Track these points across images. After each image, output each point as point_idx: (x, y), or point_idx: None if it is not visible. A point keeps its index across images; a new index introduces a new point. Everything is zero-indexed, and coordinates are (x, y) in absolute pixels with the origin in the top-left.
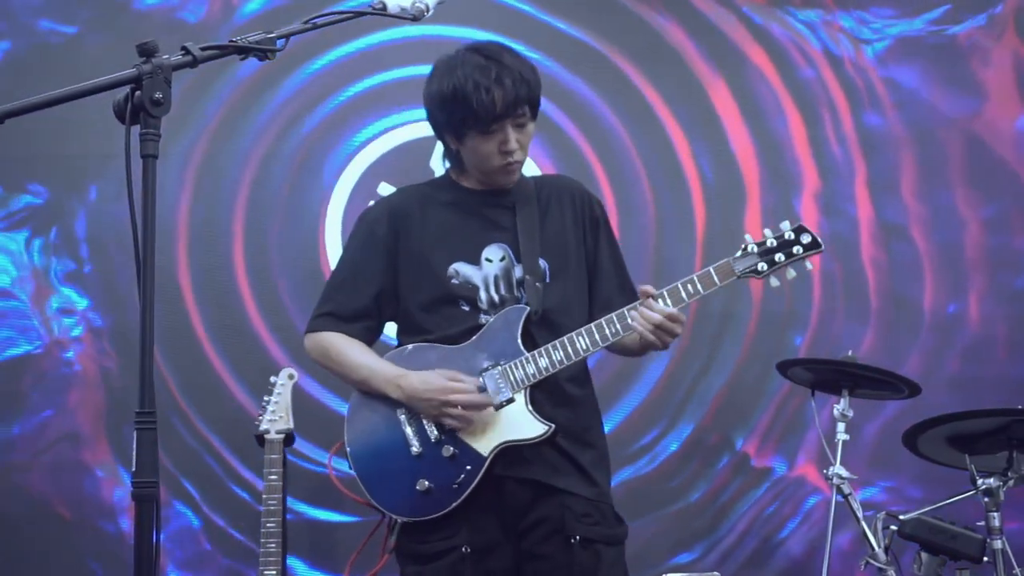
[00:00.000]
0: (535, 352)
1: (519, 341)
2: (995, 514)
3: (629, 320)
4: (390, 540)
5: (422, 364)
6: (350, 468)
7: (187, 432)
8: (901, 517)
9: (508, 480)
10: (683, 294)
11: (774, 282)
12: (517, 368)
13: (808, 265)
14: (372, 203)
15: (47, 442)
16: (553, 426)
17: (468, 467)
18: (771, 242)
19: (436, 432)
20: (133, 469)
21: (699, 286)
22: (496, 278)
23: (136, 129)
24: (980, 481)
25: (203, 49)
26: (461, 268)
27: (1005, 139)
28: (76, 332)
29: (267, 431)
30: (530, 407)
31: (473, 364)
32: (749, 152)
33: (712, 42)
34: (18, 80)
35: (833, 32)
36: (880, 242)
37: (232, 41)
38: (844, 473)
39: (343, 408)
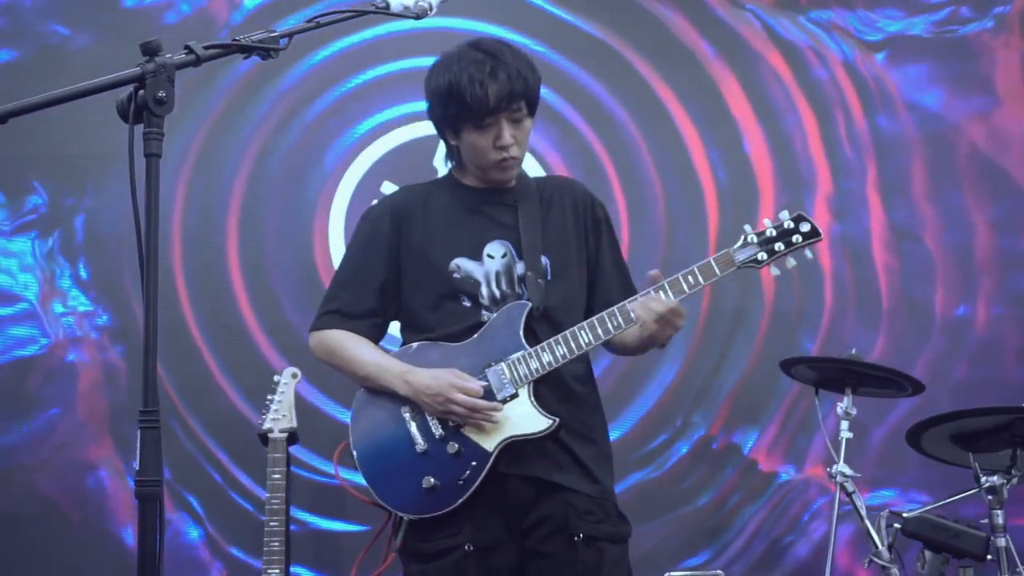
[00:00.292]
0: (538, 347)
1: (522, 337)
2: (999, 512)
3: (631, 313)
4: (395, 539)
5: (425, 362)
6: (355, 466)
7: (184, 436)
8: (904, 515)
9: (511, 478)
10: (684, 285)
11: (774, 271)
12: (520, 364)
13: (808, 254)
14: (375, 202)
15: (53, 442)
16: (557, 420)
17: (473, 463)
18: (771, 232)
19: (441, 429)
20: (136, 468)
21: (700, 277)
22: (498, 274)
23: (139, 128)
24: (984, 479)
25: (206, 48)
26: (463, 263)
27: (1015, 141)
28: (81, 332)
29: (270, 430)
30: (534, 402)
31: (476, 361)
32: (761, 152)
33: (725, 41)
34: (18, 81)
35: (843, 33)
36: (891, 244)
37: (235, 40)
38: (848, 471)
39: (342, 414)
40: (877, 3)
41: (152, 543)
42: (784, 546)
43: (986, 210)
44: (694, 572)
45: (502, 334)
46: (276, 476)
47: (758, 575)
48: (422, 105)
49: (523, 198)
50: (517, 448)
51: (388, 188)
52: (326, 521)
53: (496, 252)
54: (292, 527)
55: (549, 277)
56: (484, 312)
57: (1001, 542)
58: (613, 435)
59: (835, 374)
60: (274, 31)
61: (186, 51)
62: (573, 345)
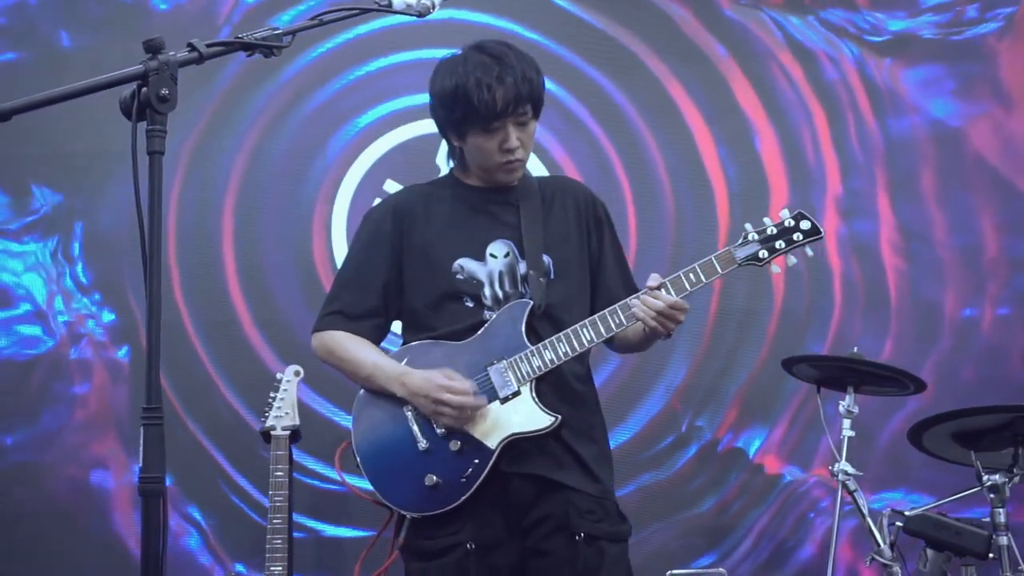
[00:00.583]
0: (540, 345)
1: (523, 335)
2: (1001, 510)
3: (632, 309)
4: (398, 538)
5: (427, 361)
6: (356, 466)
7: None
8: (906, 513)
9: (513, 476)
10: (685, 283)
11: (775, 269)
12: (523, 362)
13: (809, 252)
14: (377, 202)
15: (57, 442)
16: (559, 417)
17: (476, 461)
18: (771, 230)
19: (442, 427)
20: (140, 464)
21: (701, 274)
22: (500, 274)
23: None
24: (986, 478)
25: (209, 46)
26: (466, 263)
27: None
28: (86, 332)
29: (273, 427)
30: (536, 399)
31: (478, 359)
32: (771, 151)
33: (736, 40)
34: (17, 81)
35: (853, 34)
36: (900, 245)
37: (238, 37)
38: (850, 470)
39: (342, 418)
40: (886, 5)
41: (155, 540)
42: (791, 546)
43: (996, 212)
44: (696, 571)
45: (504, 332)
46: (279, 474)
47: (766, 574)
48: (424, 98)
49: (525, 197)
50: (519, 446)
51: (391, 186)
52: (328, 526)
53: (499, 252)
54: (295, 533)
55: (552, 276)
56: (487, 312)
57: (1003, 540)
58: (622, 437)
59: (837, 373)
60: (277, 29)
61: (189, 48)
62: (575, 343)
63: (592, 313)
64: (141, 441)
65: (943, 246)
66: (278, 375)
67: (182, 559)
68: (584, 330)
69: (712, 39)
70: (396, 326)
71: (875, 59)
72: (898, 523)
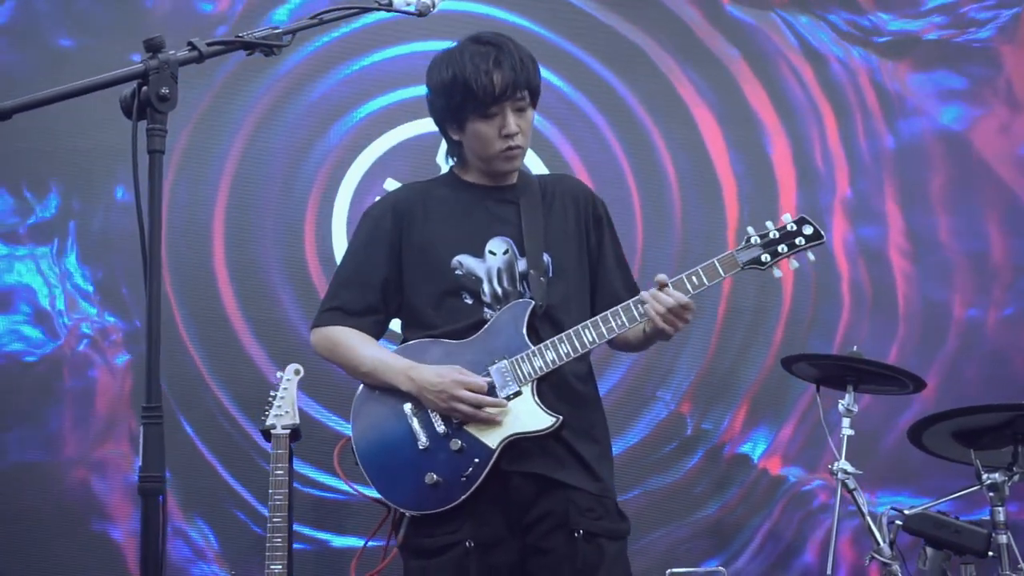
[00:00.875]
0: (541, 345)
1: (525, 335)
2: (1000, 509)
3: (636, 311)
4: (397, 536)
5: (427, 359)
6: (355, 464)
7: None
8: (906, 512)
9: (513, 475)
10: (688, 285)
11: (777, 273)
12: (524, 362)
13: (811, 256)
14: (376, 199)
15: (61, 442)
16: (560, 418)
17: (476, 460)
18: (774, 233)
19: (443, 426)
20: (139, 463)
21: (704, 277)
22: (499, 271)
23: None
24: (985, 476)
25: (209, 45)
26: (465, 260)
27: None
28: (89, 332)
29: (273, 426)
30: (537, 399)
31: (480, 358)
32: (781, 154)
33: (747, 41)
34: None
35: (863, 38)
36: (908, 248)
37: (238, 36)
38: (849, 468)
39: (340, 425)
40: (892, 6)
41: (155, 536)
42: (797, 548)
43: (1003, 215)
44: (696, 570)
45: (505, 332)
46: (279, 472)
47: (772, 573)
48: (424, 90)
49: (524, 195)
50: (519, 445)
51: (391, 185)
52: (327, 535)
53: (498, 249)
54: (295, 544)
55: (551, 275)
56: (486, 309)
57: (1003, 539)
58: (629, 441)
59: (836, 371)
60: (277, 28)
61: (189, 47)
62: (577, 343)
63: (592, 312)
64: (140, 440)
65: (950, 250)
66: (278, 374)
67: (177, 564)
68: (586, 331)
69: (722, 39)
70: (396, 324)
71: (883, 61)
72: (898, 521)
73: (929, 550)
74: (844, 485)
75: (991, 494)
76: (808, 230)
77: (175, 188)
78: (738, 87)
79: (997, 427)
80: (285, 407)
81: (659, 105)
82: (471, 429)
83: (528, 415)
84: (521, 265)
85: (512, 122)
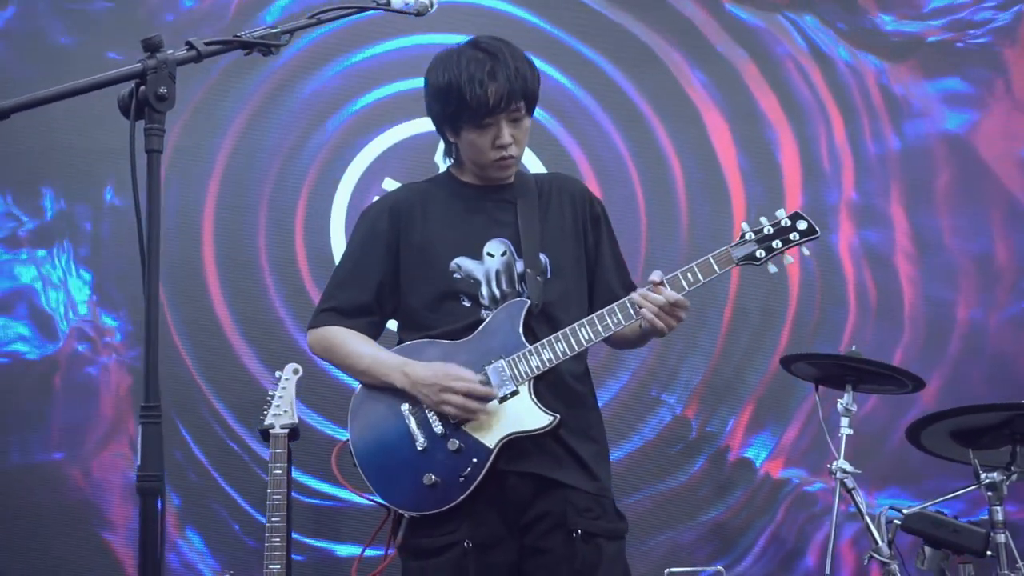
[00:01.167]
0: (538, 344)
1: (521, 334)
2: (999, 508)
3: (631, 309)
4: (396, 537)
5: (423, 360)
6: (353, 464)
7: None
8: (904, 511)
9: (511, 474)
10: (683, 282)
11: (772, 268)
12: (521, 361)
13: (805, 251)
14: (374, 200)
15: (63, 443)
16: (558, 416)
17: (474, 460)
18: (768, 229)
19: (441, 426)
20: (138, 463)
21: (699, 274)
22: (498, 273)
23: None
24: (983, 475)
25: (207, 44)
26: (463, 263)
27: None
28: (90, 333)
29: (272, 426)
30: (534, 398)
31: (476, 358)
32: (788, 156)
33: (755, 44)
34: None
35: (871, 40)
36: (913, 252)
37: (236, 36)
38: (848, 467)
39: (338, 433)
40: (897, 10)
41: (153, 536)
42: (801, 550)
43: (1009, 218)
44: (695, 569)
45: (501, 331)
46: (278, 472)
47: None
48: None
49: (522, 195)
50: (517, 445)
51: (389, 184)
52: (326, 543)
53: (496, 251)
54: (293, 555)
55: (548, 275)
56: (484, 311)
57: (1001, 538)
58: (634, 444)
59: (835, 371)
60: (275, 27)
61: (187, 47)
62: (573, 342)
63: (590, 310)
64: (139, 440)
65: (955, 252)
66: (276, 373)
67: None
68: (582, 329)
69: (730, 40)
70: (392, 325)
71: (887, 64)
72: (896, 521)
73: (927, 549)
74: (843, 484)
75: (989, 493)
76: (802, 225)
77: (166, 186)
78: (746, 88)
79: (995, 426)
80: (284, 407)
81: (666, 104)
82: (469, 429)
83: (525, 414)
84: (519, 266)
85: (506, 133)
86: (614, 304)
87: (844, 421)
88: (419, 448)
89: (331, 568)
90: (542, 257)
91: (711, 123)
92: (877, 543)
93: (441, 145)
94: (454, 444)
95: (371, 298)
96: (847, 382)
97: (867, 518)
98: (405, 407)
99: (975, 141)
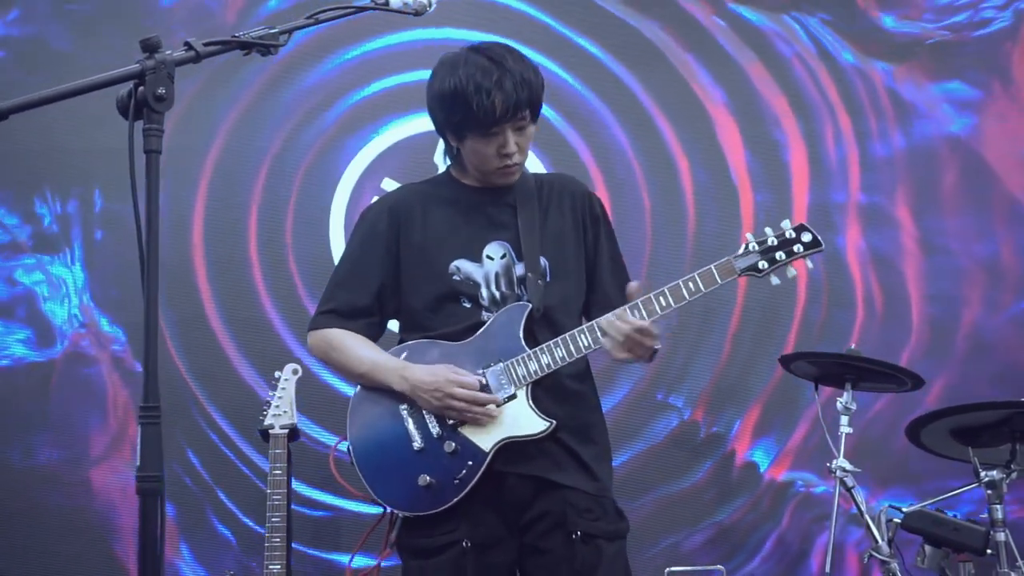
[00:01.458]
0: (537, 349)
1: (521, 338)
2: (998, 506)
3: (600, 336)
4: (391, 534)
5: (424, 361)
6: (351, 463)
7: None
8: (904, 510)
9: (510, 475)
10: (684, 292)
11: (775, 280)
12: (519, 365)
13: (809, 264)
14: (373, 200)
15: (65, 444)
16: (554, 423)
17: (470, 462)
18: (772, 240)
19: (438, 428)
20: (137, 463)
21: (700, 284)
22: (497, 275)
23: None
24: (983, 474)
25: (206, 45)
26: (462, 265)
27: None
28: (93, 334)
29: (271, 426)
30: (531, 403)
31: (475, 360)
32: (797, 159)
33: (763, 47)
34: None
35: (879, 43)
36: (920, 254)
37: (235, 36)
38: (848, 466)
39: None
40: (901, 11)
41: (153, 537)
42: (806, 552)
43: (1009, 217)
44: (694, 568)
45: (502, 335)
46: (277, 472)
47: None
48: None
49: (522, 198)
50: (516, 447)
51: (388, 185)
52: (325, 554)
53: (495, 253)
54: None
55: (548, 278)
56: (484, 313)
57: (1000, 536)
58: (639, 447)
59: (835, 369)
60: (273, 28)
61: (186, 47)
62: (572, 348)
63: (585, 309)
64: (138, 440)
65: (961, 254)
66: (276, 373)
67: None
68: (582, 336)
69: (738, 41)
70: (395, 326)
71: (892, 66)
72: (896, 519)
73: (928, 548)
74: (843, 483)
75: (989, 491)
76: (807, 237)
77: (209, 188)
78: (754, 88)
79: (995, 424)
80: (283, 407)
81: (674, 104)
82: (465, 431)
83: (522, 418)
84: (519, 269)
85: (512, 142)
86: (613, 312)
87: (844, 420)
88: (416, 449)
89: (327, 525)
90: (542, 260)
91: (719, 123)
92: (877, 542)
93: (440, 145)
94: (450, 446)
95: (371, 299)
96: (846, 380)
97: (867, 517)
98: (403, 408)
99: (979, 142)
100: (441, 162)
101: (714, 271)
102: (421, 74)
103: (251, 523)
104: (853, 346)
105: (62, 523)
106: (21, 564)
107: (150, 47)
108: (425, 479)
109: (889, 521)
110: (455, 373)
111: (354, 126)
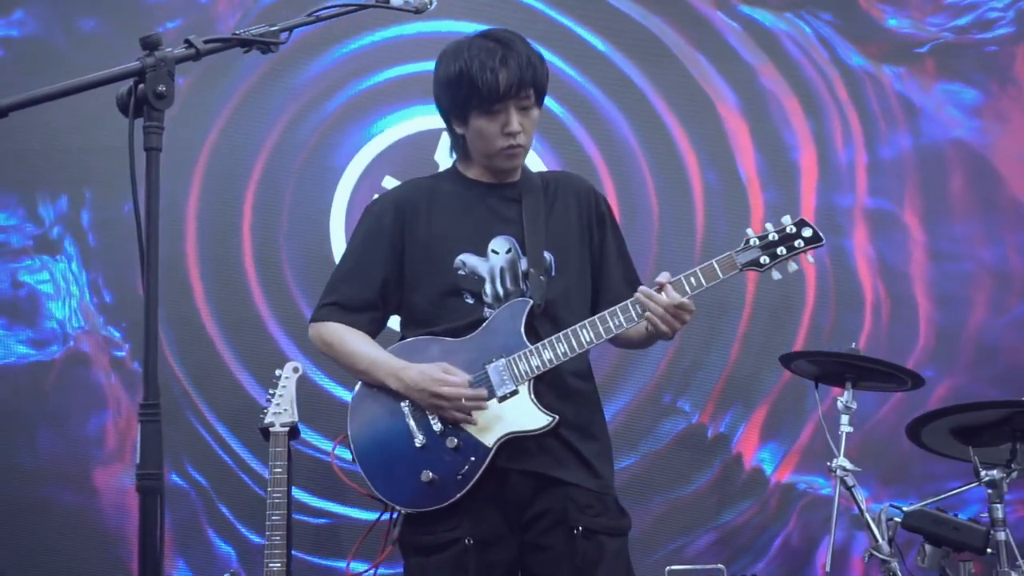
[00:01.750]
0: (539, 344)
1: (523, 334)
2: (999, 506)
3: (633, 311)
4: (393, 531)
5: (424, 358)
6: (352, 460)
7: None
8: (905, 509)
9: (511, 472)
10: (686, 286)
11: (776, 275)
12: (521, 360)
13: (810, 259)
14: (377, 195)
15: (67, 444)
16: (556, 417)
17: (472, 458)
18: (773, 236)
19: (440, 424)
20: (137, 461)
21: (702, 278)
22: (502, 270)
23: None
24: (984, 473)
25: (206, 42)
26: (468, 259)
27: None
28: (95, 334)
29: (272, 424)
30: (533, 399)
31: (477, 357)
32: (806, 158)
33: (773, 48)
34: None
35: (886, 46)
36: (927, 259)
37: (236, 34)
38: (848, 465)
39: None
40: (909, 13)
41: (153, 535)
42: (812, 553)
43: (1017, 222)
44: (695, 567)
45: (503, 330)
46: (278, 470)
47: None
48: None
49: (527, 193)
50: (518, 443)
51: (390, 182)
52: (325, 561)
53: (501, 248)
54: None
55: (552, 273)
56: (487, 309)
57: (1001, 535)
58: (648, 448)
59: (835, 368)
60: (274, 25)
61: (186, 45)
62: (574, 343)
63: (594, 309)
64: (138, 438)
65: (968, 258)
66: (276, 372)
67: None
68: (584, 331)
69: (750, 41)
70: (394, 323)
71: (899, 69)
72: (896, 518)
73: (928, 547)
74: (843, 482)
75: (989, 491)
76: (807, 232)
77: (204, 183)
78: (764, 88)
79: (995, 423)
80: (284, 405)
81: (683, 103)
82: (467, 428)
83: (524, 414)
84: (523, 264)
85: (515, 120)
86: (616, 306)
87: (844, 419)
88: (417, 445)
89: (327, 527)
90: (546, 255)
91: (728, 122)
92: (877, 541)
93: (442, 143)
94: (452, 442)
95: (374, 294)
96: (847, 379)
97: (867, 516)
98: (404, 404)
99: (984, 146)
100: (443, 160)
101: (715, 265)
102: (423, 65)
103: (248, 532)
104: (854, 345)
105: (62, 522)
106: (21, 564)
107: (150, 44)
108: (428, 475)
109: (890, 520)
110: (443, 372)
111: (353, 120)
